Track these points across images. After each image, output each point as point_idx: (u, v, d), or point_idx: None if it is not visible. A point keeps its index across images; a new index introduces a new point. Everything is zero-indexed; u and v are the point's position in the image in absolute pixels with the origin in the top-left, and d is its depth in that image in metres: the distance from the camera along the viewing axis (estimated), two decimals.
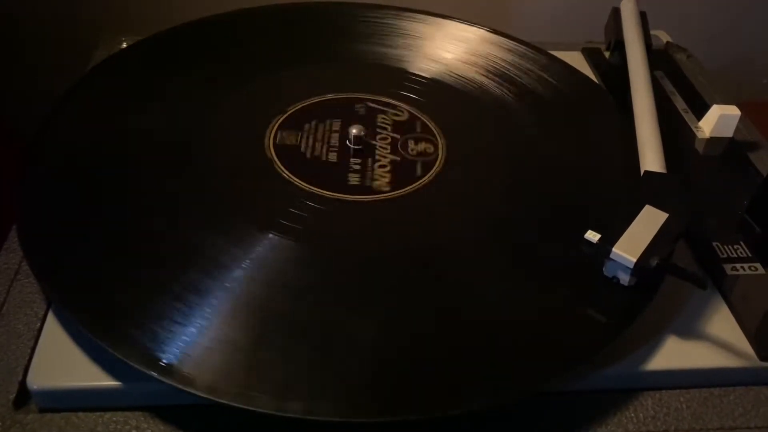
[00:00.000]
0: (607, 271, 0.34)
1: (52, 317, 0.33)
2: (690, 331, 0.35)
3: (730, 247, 0.38)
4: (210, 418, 0.31)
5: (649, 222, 0.34)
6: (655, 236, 0.33)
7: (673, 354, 0.33)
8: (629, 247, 0.33)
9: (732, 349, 0.34)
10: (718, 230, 0.39)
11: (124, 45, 0.51)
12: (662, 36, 0.57)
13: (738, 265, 0.37)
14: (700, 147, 0.46)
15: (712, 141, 0.46)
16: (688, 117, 0.48)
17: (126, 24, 0.55)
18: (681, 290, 0.36)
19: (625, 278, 0.33)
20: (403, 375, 0.30)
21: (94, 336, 0.30)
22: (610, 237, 0.33)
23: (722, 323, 0.35)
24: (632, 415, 0.32)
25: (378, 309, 0.32)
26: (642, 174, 0.38)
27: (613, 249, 0.33)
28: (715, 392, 0.33)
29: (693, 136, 0.46)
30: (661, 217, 0.34)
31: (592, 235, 0.33)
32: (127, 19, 0.64)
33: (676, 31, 0.57)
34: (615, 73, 0.51)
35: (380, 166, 0.40)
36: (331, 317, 0.32)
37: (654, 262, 0.32)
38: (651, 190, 0.36)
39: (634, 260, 0.32)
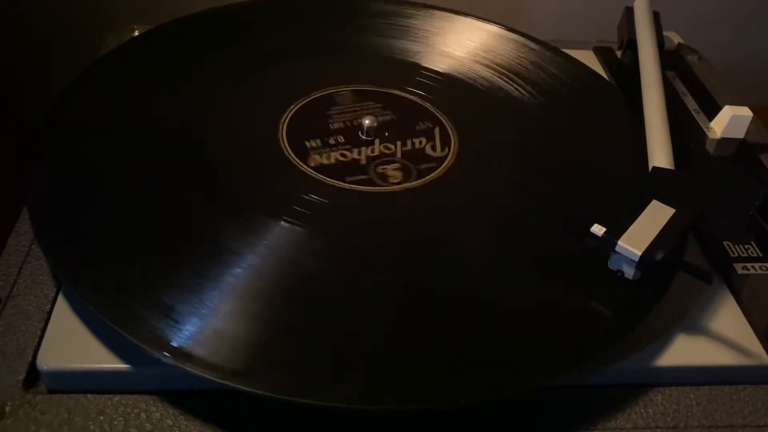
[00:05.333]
0: (612, 264, 0.34)
1: (63, 299, 0.33)
2: (700, 328, 0.34)
3: (741, 246, 0.38)
4: (219, 402, 0.31)
5: (655, 216, 0.34)
6: (661, 231, 0.33)
7: (684, 351, 0.33)
8: (635, 241, 0.32)
9: (742, 348, 0.34)
10: (729, 230, 0.39)
11: (136, 33, 0.51)
12: (674, 37, 0.57)
13: (749, 265, 0.37)
14: (711, 147, 0.46)
15: (723, 142, 0.46)
16: (700, 117, 0.48)
17: (138, 12, 0.55)
18: (691, 288, 0.36)
19: (629, 272, 0.33)
20: (414, 365, 0.30)
21: (104, 318, 0.30)
22: (616, 230, 0.33)
23: (732, 322, 0.35)
24: (642, 410, 0.32)
25: (386, 299, 0.32)
26: (650, 170, 0.38)
27: (619, 242, 0.32)
28: (725, 390, 0.33)
29: (704, 136, 0.46)
30: (667, 212, 0.34)
31: (598, 229, 0.33)
32: (140, 7, 0.64)
33: (687, 33, 0.57)
34: (626, 72, 0.51)
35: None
36: (341, 305, 0.32)
37: (659, 256, 0.32)
38: (658, 185, 0.36)
39: (640, 253, 0.32)
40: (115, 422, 0.30)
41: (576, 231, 0.34)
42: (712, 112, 0.47)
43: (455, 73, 0.47)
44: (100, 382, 0.31)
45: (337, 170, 0.38)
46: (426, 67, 0.47)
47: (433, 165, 0.39)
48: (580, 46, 0.55)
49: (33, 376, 0.31)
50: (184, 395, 0.31)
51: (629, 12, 0.53)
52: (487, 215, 0.37)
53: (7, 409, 0.30)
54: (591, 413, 0.32)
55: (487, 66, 0.48)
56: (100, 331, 0.31)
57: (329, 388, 0.29)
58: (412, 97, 0.45)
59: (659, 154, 0.39)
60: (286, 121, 0.41)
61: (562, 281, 0.34)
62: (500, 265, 0.35)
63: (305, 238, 0.34)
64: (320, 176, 0.38)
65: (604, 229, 0.33)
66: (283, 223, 0.34)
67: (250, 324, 0.30)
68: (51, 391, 0.31)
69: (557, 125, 0.44)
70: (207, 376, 0.28)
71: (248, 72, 0.45)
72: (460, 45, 0.49)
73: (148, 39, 0.48)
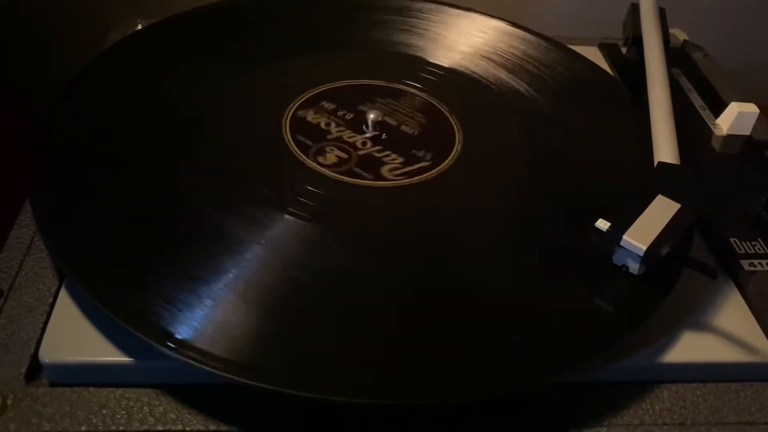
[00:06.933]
0: (617, 259, 0.33)
1: (65, 292, 0.33)
2: (707, 325, 0.34)
3: (747, 243, 0.38)
4: (222, 395, 0.30)
5: (661, 211, 0.34)
6: (667, 225, 0.33)
7: (690, 348, 0.33)
8: (640, 235, 0.32)
9: (749, 345, 0.34)
10: (736, 226, 0.39)
11: (140, 27, 0.51)
12: (679, 34, 0.57)
13: (756, 261, 0.37)
14: (717, 144, 0.45)
15: (730, 138, 0.46)
16: (705, 114, 0.48)
17: (141, 6, 0.55)
18: (698, 284, 0.35)
19: (634, 266, 0.33)
20: (418, 361, 0.30)
21: (106, 310, 0.29)
22: (621, 225, 0.33)
23: (739, 319, 0.35)
24: (648, 407, 0.32)
25: (390, 296, 0.32)
26: (656, 165, 0.38)
27: (624, 236, 0.32)
28: (732, 387, 0.33)
29: (710, 133, 0.46)
30: (673, 207, 0.34)
31: (603, 224, 0.33)
32: (143, 2, 0.63)
33: (692, 30, 0.57)
34: (631, 69, 0.51)
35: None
36: (345, 300, 0.32)
37: (664, 250, 0.32)
38: (664, 180, 0.36)
39: (645, 248, 0.32)
40: (118, 416, 0.29)
41: (581, 226, 0.34)
42: (717, 108, 0.47)
43: (460, 69, 0.47)
44: (103, 376, 0.30)
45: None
46: (431, 62, 0.47)
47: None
48: (586, 42, 0.54)
49: (35, 369, 0.31)
50: (188, 389, 0.30)
51: (635, 8, 0.53)
52: (492, 211, 0.37)
53: (9, 402, 0.29)
54: (598, 410, 0.31)
55: (492, 61, 0.47)
56: (102, 324, 0.31)
57: (332, 383, 0.28)
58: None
59: (665, 149, 0.39)
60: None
61: (568, 278, 0.34)
62: (505, 262, 0.35)
63: (310, 230, 0.34)
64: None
65: (608, 224, 0.33)
66: (287, 216, 0.34)
67: (254, 317, 0.30)
68: (53, 384, 0.30)
69: (562, 121, 0.44)
70: (210, 369, 0.28)
71: (252, 66, 0.45)
72: (466, 40, 0.49)
73: (151, 33, 0.47)
